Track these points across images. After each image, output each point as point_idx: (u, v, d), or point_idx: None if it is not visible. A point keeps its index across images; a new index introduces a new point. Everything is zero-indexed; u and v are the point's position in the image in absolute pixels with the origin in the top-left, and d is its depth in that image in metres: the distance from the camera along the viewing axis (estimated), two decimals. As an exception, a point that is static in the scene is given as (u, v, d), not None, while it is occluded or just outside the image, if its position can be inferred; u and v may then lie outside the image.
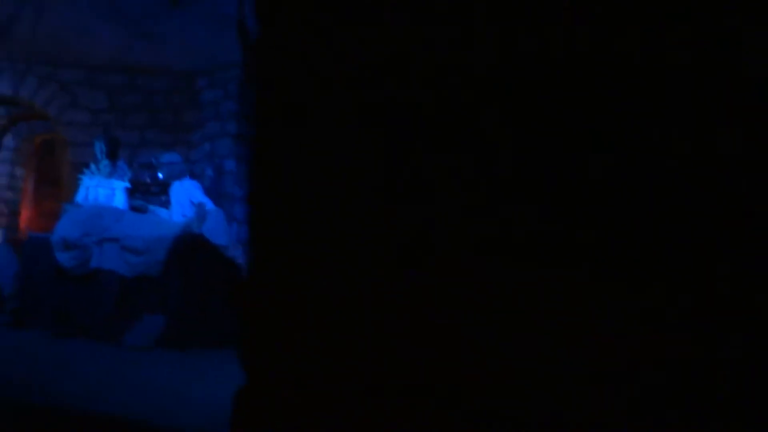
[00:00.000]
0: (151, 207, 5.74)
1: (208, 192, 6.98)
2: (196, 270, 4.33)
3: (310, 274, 1.05)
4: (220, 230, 4.43)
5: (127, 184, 6.02)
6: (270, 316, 1.11)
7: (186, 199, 5.53)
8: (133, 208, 5.60)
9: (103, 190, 5.94)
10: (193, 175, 5.78)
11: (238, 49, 7.61)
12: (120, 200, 5.96)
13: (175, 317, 4.20)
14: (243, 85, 8.03)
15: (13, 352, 4.06)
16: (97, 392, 2.93)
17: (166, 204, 5.91)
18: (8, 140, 9.06)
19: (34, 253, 4.92)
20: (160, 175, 5.66)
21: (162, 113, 8.32)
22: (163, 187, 6.42)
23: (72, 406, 2.66)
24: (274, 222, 1.14)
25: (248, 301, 1.18)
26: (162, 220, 4.97)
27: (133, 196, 6.05)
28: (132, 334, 4.22)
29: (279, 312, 1.09)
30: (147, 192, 5.92)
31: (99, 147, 6.06)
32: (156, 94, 8.35)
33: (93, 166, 6.10)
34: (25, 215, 9.48)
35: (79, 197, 6.08)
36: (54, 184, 8.80)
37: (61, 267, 4.75)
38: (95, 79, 8.05)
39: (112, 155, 6.08)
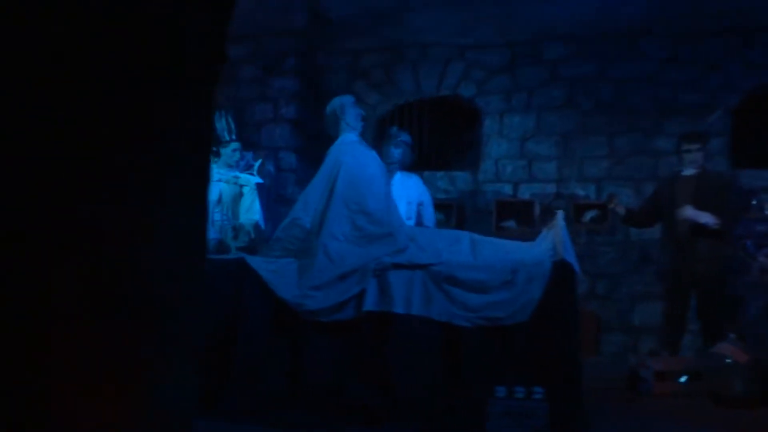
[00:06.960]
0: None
1: (267, 194, 5.35)
2: (567, 313, 2.80)
3: None
4: (570, 251, 2.95)
5: (259, 179, 4.19)
6: None
7: (405, 199, 3.86)
8: None
9: (228, 187, 4.04)
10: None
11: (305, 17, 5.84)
12: (252, 203, 4.10)
13: (557, 392, 2.64)
14: (308, 60, 6.29)
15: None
16: None
17: None
18: None
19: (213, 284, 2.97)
20: (396, 154, 3.92)
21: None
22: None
23: None
24: None
25: None
26: (457, 234, 3.23)
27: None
28: (498, 421, 2.57)
29: None
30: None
31: (223, 124, 4.13)
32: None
33: (201, 153, 4.10)
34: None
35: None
36: None
37: (294, 310, 2.90)
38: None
39: (239, 136, 4.19)
